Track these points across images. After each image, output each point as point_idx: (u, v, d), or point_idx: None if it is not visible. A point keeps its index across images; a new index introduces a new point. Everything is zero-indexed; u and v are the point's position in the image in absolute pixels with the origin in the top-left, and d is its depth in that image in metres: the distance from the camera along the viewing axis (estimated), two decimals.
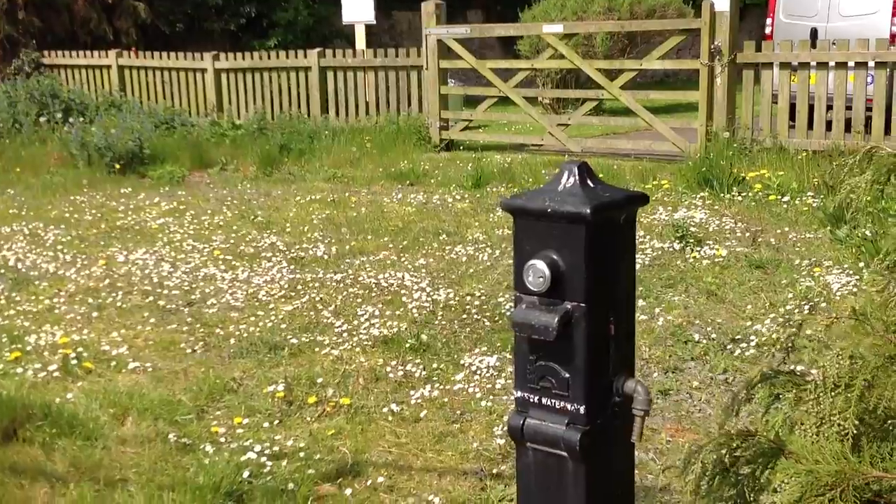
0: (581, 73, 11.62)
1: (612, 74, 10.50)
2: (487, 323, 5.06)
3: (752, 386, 2.27)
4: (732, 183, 7.81)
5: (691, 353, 4.48)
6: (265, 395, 4.17)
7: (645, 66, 10.11)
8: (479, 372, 4.39)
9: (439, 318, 5.17)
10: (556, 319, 1.65)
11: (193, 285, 5.98)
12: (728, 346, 4.51)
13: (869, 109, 8.88)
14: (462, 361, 4.53)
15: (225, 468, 3.45)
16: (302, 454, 3.61)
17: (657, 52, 10.00)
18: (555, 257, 1.67)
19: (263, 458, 3.56)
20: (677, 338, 4.67)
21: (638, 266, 5.89)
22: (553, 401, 1.74)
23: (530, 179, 9.02)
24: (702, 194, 7.82)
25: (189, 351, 4.82)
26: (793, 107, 9.29)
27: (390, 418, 3.96)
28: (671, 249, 6.23)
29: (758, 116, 9.52)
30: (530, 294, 1.70)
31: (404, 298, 5.50)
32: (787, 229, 6.60)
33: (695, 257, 6.00)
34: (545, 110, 13.42)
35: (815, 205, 7.16)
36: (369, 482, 3.41)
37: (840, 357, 1.83)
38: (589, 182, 1.70)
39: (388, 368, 4.45)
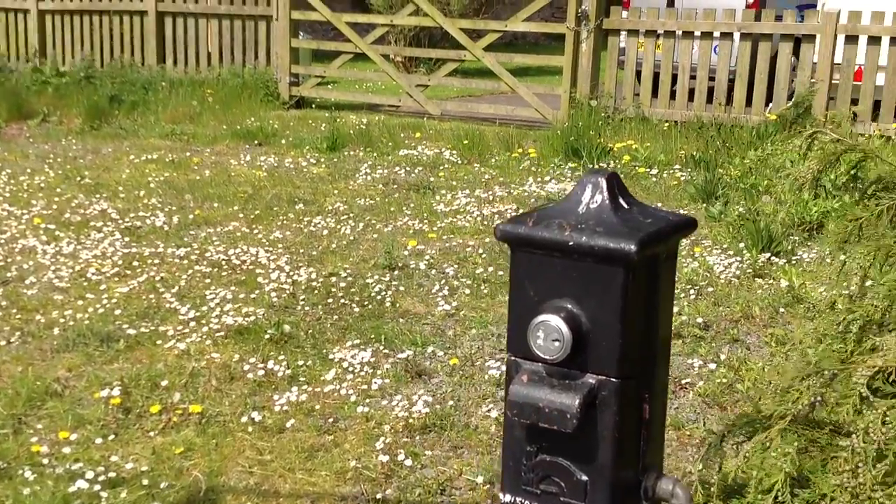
0: (435, 31, 11.11)
1: (474, 35, 10.03)
2: (356, 308, 4.53)
3: (731, 432, 1.85)
4: (601, 154, 7.52)
5: None
6: (97, 402, 3.51)
7: (510, 27, 9.68)
8: (351, 369, 3.86)
9: (301, 302, 4.59)
10: (578, 401, 1.13)
11: (8, 260, 5.16)
12: None
13: (732, 81, 8.78)
14: (331, 356, 3.98)
15: (51, 502, 2.81)
16: (145, 480, 2.99)
17: (523, 13, 9.60)
18: (576, 311, 1.15)
19: (97, 487, 2.93)
20: None
21: None
22: None
23: (390, 143, 8.48)
24: (570, 164, 7.49)
25: (2, 343, 4.06)
26: (656, 76, 9.10)
27: (250, 429, 3.39)
28: None
29: (621, 84, 9.29)
30: (536, 361, 1.17)
31: (260, 279, 4.89)
32: (659, 204, 6.33)
33: None
34: (397, 69, 12.84)
35: (683, 178, 6.95)
36: None
37: (889, 420, 1.42)
38: (622, 201, 1.18)
39: (246, 366, 3.86)
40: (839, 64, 8.33)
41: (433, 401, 3.57)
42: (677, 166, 7.30)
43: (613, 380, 1.13)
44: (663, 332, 1.19)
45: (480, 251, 5.36)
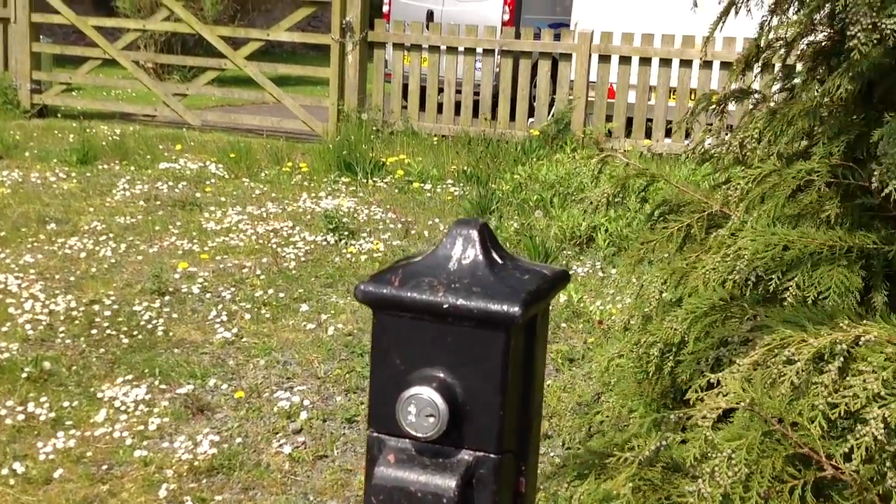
0: (188, 38, 10.64)
1: (231, 42, 9.66)
2: (124, 339, 4.16)
3: (561, 474, 1.78)
4: (373, 168, 7.44)
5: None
6: None
7: (272, 36, 9.41)
8: (124, 408, 3.52)
9: (61, 334, 4.17)
10: (455, 482, 0.98)
11: None
12: None
13: (496, 96, 8.99)
14: (100, 395, 3.63)
15: None
16: None
17: (286, 22, 9.37)
18: (451, 381, 0.99)
19: None
20: (352, 349, 4.14)
21: (293, 262, 5.28)
22: None
23: (148, 156, 7.99)
24: (345, 179, 7.36)
25: None
26: (423, 90, 9.17)
27: (12, 481, 3.01)
28: (325, 243, 5.68)
29: (388, 97, 9.28)
30: (405, 438, 1.01)
31: (11, 309, 4.40)
32: (437, 220, 6.34)
33: (352, 252, 5.50)
34: (149, 76, 12.20)
35: (457, 193, 7.00)
36: None
37: (735, 463, 1.38)
38: (495, 256, 1.04)
39: (3, 410, 3.43)
40: (594, 82, 8.73)
41: (219, 439, 3.32)
42: (450, 181, 7.35)
43: (492, 456, 1.00)
44: (537, 398, 1.08)
45: (258, 272, 5.11)
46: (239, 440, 3.33)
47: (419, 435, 0.97)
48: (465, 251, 1.02)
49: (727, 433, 1.42)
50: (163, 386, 3.72)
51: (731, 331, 2.22)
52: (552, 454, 3.26)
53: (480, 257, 1.01)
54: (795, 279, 2.06)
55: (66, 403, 3.53)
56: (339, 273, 5.18)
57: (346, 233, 5.79)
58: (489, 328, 0.98)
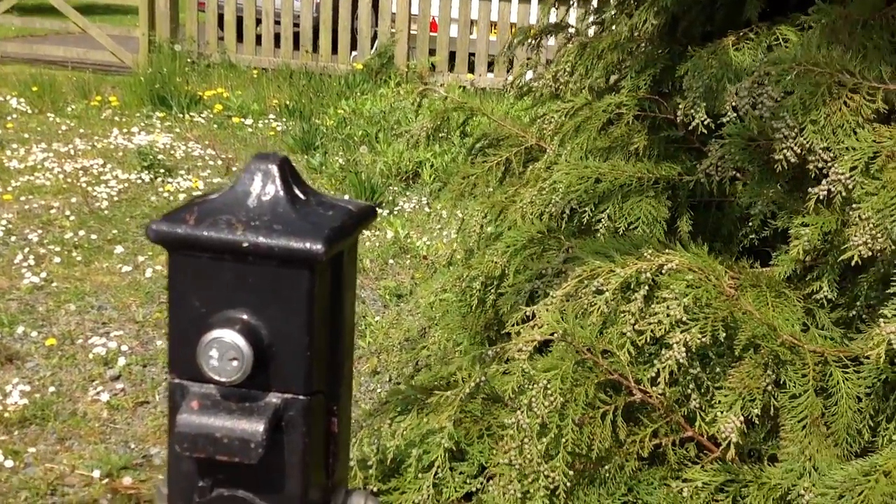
0: None
1: None
2: None
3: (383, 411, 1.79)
4: (190, 102, 7.16)
5: None
6: None
7: None
8: None
9: None
10: (263, 426, 0.95)
11: None
12: None
13: (317, 28, 8.80)
14: None
15: None
16: None
17: None
18: (254, 322, 0.95)
19: None
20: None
21: (105, 202, 5.04)
22: None
23: None
24: (159, 114, 7.05)
25: None
26: (240, 20, 8.86)
27: None
28: (140, 181, 5.45)
29: (203, 27, 8.92)
30: (208, 383, 0.97)
31: None
32: None
33: (169, 190, 5.30)
34: None
35: (280, 129, 6.85)
36: None
37: (550, 393, 1.42)
38: (297, 192, 0.99)
39: None
40: (416, 15, 8.68)
41: (31, 389, 3.15)
42: (272, 116, 7.17)
43: (301, 397, 0.98)
44: (348, 336, 1.07)
45: (67, 213, 4.85)
46: (52, 389, 3.17)
47: (223, 379, 0.93)
48: (264, 187, 0.97)
49: (544, 364, 1.45)
50: None
51: (546, 263, 2.28)
52: (379, 390, 3.28)
53: (281, 193, 0.97)
54: (607, 211, 2.12)
55: None
56: (156, 213, 4.98)
57: (162, 170, 5.56)
58: (292, 267, 0.94)
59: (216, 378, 0.94)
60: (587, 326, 1.53)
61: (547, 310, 1.47)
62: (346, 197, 5.28)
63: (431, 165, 5.68)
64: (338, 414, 1.03)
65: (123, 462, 2.77)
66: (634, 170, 1.96)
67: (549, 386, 1.42)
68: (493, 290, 2.59)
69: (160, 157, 5.75)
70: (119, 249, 4.42)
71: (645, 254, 1.51)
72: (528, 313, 1.56)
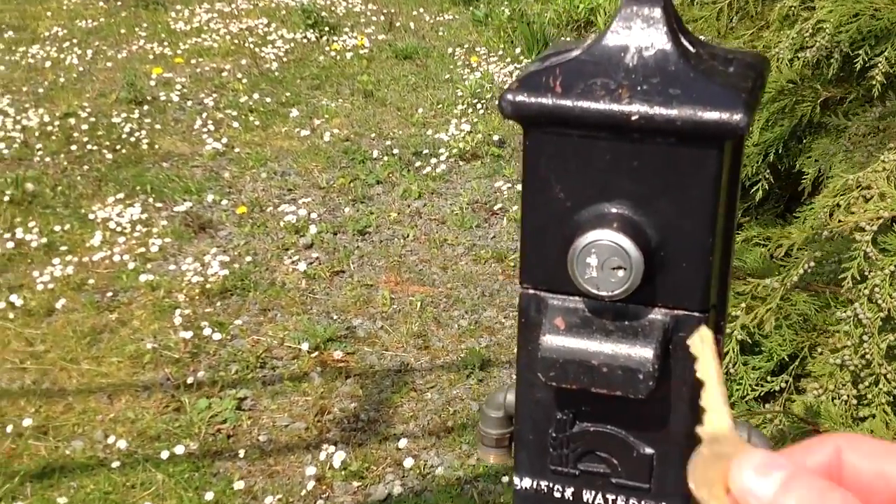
0: None
1: None
2: (108, 154, 3.88)
3: None
4: None
5: (376, 175, 3.73)
6: None
7: None
8: (121, 230, 3.30)
9: (39, 152, 3.87)
10: (653, 352, 0.76)
11: None
12: (415, 163, 3.83)
13: None
14: (91, 216, 3.39)
15: None
16: None
17: None
18: (637, 219, 0.74)
19: None
20: (352, 156, 3.89)
21: (274, 63, 4.93)
22: (612, 497, 0.88)
23: None
24: None
25: None
26: None
27: (11, 315, 2.82)
28: (305, 41, 5.30)
29: None
30: (582, 296, 0.77)
31: None
32: (421, 10, 5.94)
33: (336, 49, 5.14)
34: None
35: None
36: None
37: None
38: (685, 42, 0.75)
39: None
40: None
41: (228, 259, 3.12)
42: None
43: (696, 314, 0.76)
44: (732, 237, 0.85)
45: (239, 76, 4.77)
46: (248, 259, 3.14)
47: (604, 294, 0.73)
48: (646, 38, 0.73)
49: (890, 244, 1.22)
50: (158, 204, 3.49)
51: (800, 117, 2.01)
52: None
53: (669, 46, 0.71)
54: (884, 53, 1.84)
55: (56, 227, 3.30)
56: (325, 73, 4.85)
57: (326, 28, 5.40)
58: (697, 145, 0.70)
59: (594, 291, 0.74)
60: None
61: (887, 178, 1.22)
62: (518, 48, 5.01)
63: (605, 12, 5.30)
64: (723, 332, 0.84)
65: (329, 334, 2.71)
66: None
67: None
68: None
69: (322, 14, 5.57)
70: (294, 113, 4.32)
71: None
72: (849, 181, 1.31)
